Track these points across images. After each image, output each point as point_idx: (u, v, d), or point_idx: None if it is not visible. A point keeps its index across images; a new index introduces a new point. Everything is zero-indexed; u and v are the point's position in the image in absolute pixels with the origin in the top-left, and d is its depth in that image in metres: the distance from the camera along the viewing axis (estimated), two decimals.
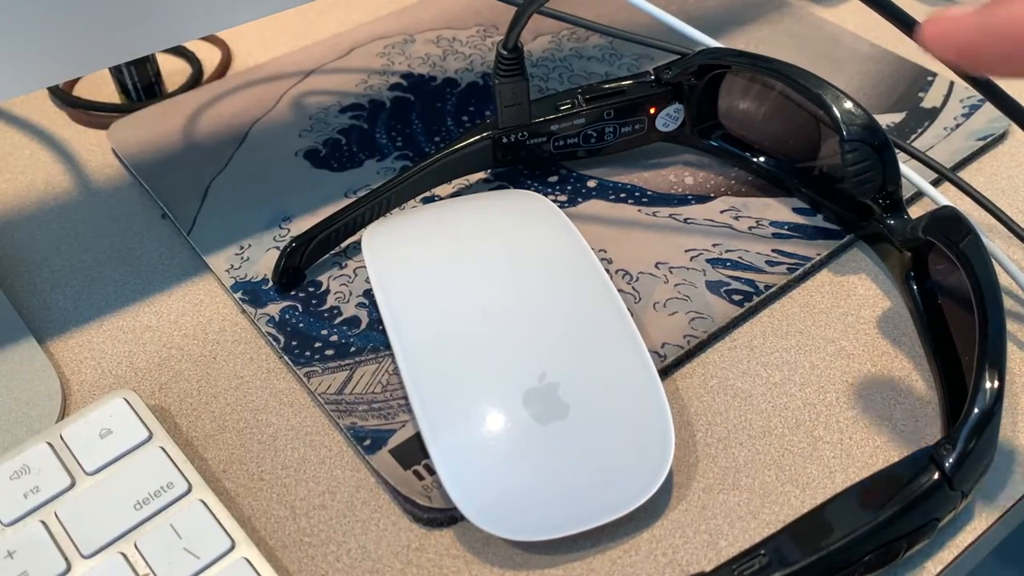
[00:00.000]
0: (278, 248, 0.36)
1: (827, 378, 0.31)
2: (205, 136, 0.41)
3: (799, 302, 0.34)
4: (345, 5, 0.50)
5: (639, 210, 0.37)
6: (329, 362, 0.31)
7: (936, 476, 0.25)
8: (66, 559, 0.25)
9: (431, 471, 0.28)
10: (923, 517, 0.25)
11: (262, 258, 0.35)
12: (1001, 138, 0.41)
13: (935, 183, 0.38)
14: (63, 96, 0.44)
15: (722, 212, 0.37)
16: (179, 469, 0.27)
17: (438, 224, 0.33)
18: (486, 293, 0.30)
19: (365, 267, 0.34)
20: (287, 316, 0.33)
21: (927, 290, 0.33)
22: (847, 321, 0.33)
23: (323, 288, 0.34)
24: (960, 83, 0.42)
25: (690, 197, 0.37)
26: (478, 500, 0.26)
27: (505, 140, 0.36)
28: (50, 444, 0.28)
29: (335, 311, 0.33)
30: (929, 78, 0.43)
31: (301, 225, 0.37)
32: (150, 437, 0.28)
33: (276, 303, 0.33)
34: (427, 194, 0.37)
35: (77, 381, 0.32)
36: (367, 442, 0.29)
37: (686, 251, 0.35)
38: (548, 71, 0.44)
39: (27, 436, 0.30)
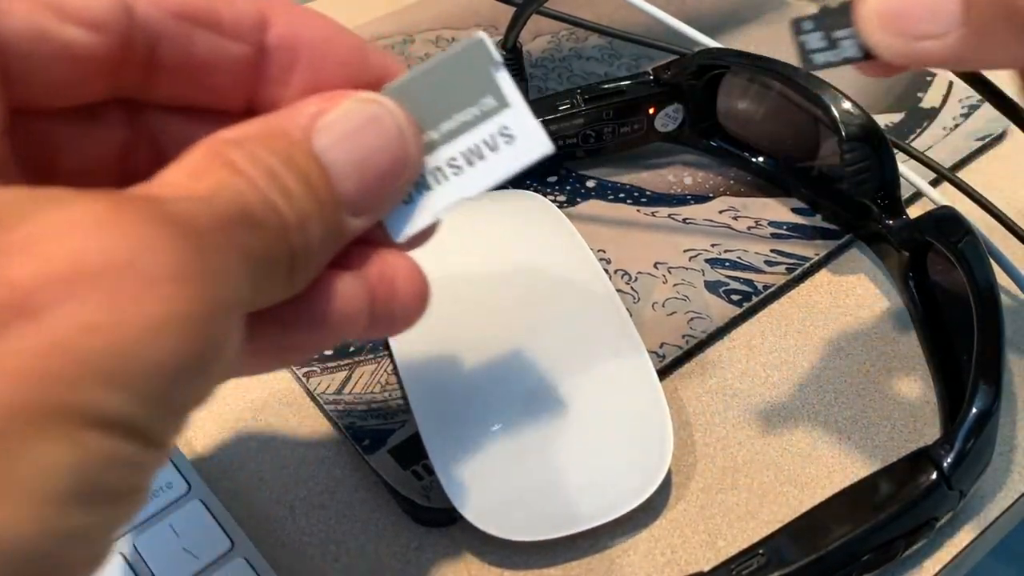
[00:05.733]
0: None
1: (825, 378, 0.31)
2: None
3: (798, 302, 0.34)
4: (344, 5, 0.50)
5: (638, 210, 0.37)
6: (328, 362, 0.31)
7: (934, 476, 0.25)
8: None
9: (430, 471, 0.28)
10: (921, 516, 0.25)
11: None
12: (1000, 138, 0.41)
13: (934, 183, 0.38)
14: None
15: (721, 212, 0.37)
16: (178, 469, 0.27)
17: None
18: (484, 293, 0.30)
19: None
20: None
21: (926, 290, 0.33)
22: (846, 321, 0.33)
23: None
24: (959, 83, 0.42)
25: (689, 197, 0.37)
26: (477, 500, 0.26)
27: None
28: None
29: None
30: (928, 78, 0.43)
31: None
32: None
33: None
34: None
35: None
36: (366, 442, 0.29)
37: (685, 251, 0.35)
38: (547, 71, 0.44)
39: None
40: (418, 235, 0.19)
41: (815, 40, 0.20)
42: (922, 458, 0.26)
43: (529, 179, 0.38)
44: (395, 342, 0.29)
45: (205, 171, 0.15)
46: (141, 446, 0.13)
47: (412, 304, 0.19)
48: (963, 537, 0.27)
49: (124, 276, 0.12)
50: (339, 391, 0.30)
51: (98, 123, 0.18)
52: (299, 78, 0.18)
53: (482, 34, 0.18)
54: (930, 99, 0.42)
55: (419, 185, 0.19)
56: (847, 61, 0.20)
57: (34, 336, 0.12)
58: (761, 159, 0.38)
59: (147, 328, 0.12)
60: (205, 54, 0.17)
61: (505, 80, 0.19)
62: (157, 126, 0.19)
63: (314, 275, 0.17)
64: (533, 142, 0.18)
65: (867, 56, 0.20)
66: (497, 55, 0.18)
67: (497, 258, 0.31)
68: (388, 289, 0.18)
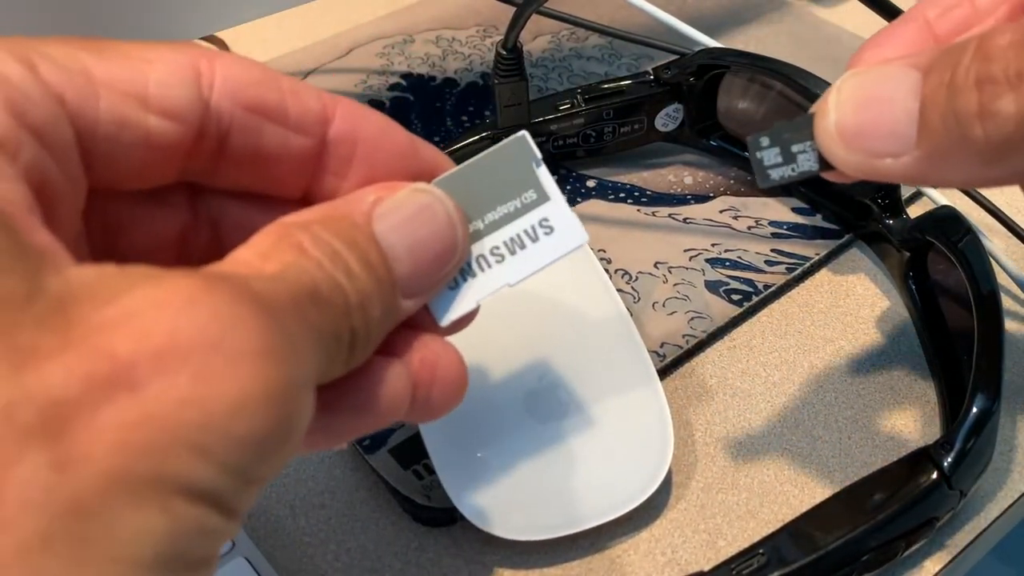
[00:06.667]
0: None
1: (826, 378, 0.31)
2: None
3: (798, 302, 0.34)
4: (345, 5, 0.50)
5: (638, 210, 0.37)
6: None
7: (934, 475, 0.25)
8: None
9: (430, 471, 0.28)
10: (921, 516, 0.25)
11: None
12: None
13: None
14: None
15: (721, 212, 0.37)
16: None
17: None
18: None
19: None
20: None
21: (926, 290, 0.33)
22: (846, 321, 0.33)
23: None
24: None
25: (689, 197, 0.37)
26: (477, 500, 0.26)
27: None
28: None
29: None
30: None
31: None
32: None
33: None
34: None
35: None
36: (366, 442, 0.29)
37: (685, 251, 0.35)
38: (547, 71, 0.44)
39: None
40: (460, 319, 0.20)
41: (771, 156, 0.20)
42: (922, 458, 0.26)
43: None
44: None
45: (274, 252, 0.16)
46: (222, 517, 0.13)
47: (451, 391, 0.19)
48: (963, 537, 0.27)
49: (215, 353, 0.13)
50: None
51: (163, 205, 0.19)
52: (356, 170, 0.19)
53: (524, 132, 0.19)
54: None
55: (464, 272, 0.20)
56: (804, 175, 0.20)
57: (133, 408, 0.12)
58: None
59: (235, 403, 0.13)
60: (271, 145, 0.18)
61: (545, 175, 0.20)
62: (217, 210, 0.20)
63: (369, 353, 0.18)
64: (571, 233, 0.20)
65: (824, 168, 0.20)
66: (537, 152, 0.19)
67: None
68: (429, 375, 0.19)
